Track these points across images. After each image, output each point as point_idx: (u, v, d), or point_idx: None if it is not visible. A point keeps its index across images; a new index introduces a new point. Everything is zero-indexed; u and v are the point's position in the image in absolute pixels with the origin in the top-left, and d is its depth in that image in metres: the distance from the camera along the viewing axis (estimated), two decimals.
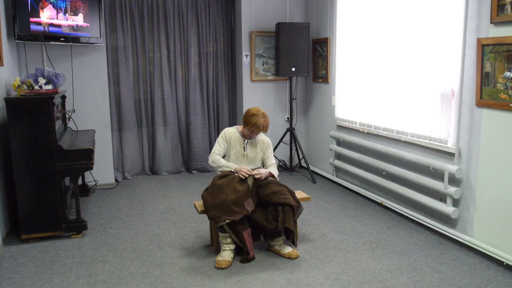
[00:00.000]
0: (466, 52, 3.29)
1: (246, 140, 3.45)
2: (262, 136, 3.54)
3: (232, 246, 3.24)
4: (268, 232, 3.24)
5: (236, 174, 3.28)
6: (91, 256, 3.36)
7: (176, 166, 5.86)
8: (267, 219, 3.18)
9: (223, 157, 3.49)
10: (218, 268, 3.11)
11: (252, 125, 3.33)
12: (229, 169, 3.33)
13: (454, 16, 3.39)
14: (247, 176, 3.25)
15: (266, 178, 3.31)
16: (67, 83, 4.72)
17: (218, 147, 3.44)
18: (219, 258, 3.18)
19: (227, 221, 3.09)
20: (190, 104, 5.79)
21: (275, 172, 3.43)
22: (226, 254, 3.20)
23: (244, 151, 3.44)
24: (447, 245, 3.49)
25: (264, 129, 3.37)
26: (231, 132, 3.48)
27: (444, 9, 3.49)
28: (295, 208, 3.23)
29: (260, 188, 3.25)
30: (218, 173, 3.43)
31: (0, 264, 3.23)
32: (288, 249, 3.31)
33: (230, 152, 3.44)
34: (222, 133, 3.50)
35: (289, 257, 3.27)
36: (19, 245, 3.57)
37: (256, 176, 3.25)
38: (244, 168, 3.29)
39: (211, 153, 3.46)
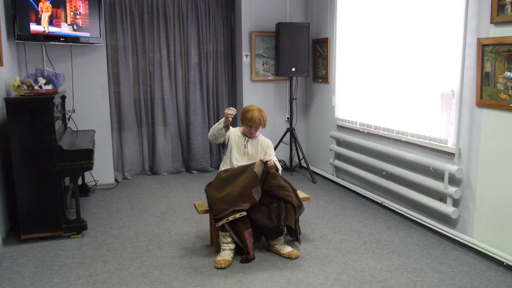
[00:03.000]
0: (466, 52, 3.28)
1: (247, 138, 3.48)
2: (262, 137, 3.57)
3: (232, 246, 3.24)
4: (270, 231, 3.24)
5: (238, 165, 3.32)
6: (91, 256, 3.36)
7: (176, 166, 5.86)
8: (269, 216, 3.19)
9: (226, 156, 3.52)
10: (218, 268, 3.11)
11: (248, 120, 3.37)
12: (221, 125, 3.28)
13: (454, 16, 3.39)
14: (233, 113, 3.22)
15: (271, 168, 3.31)
16: (67, 83, 4.72)
17: None
18: (219, 258, 3.19)
19: (230, 218, 3.09)
20: (190, 104, 5.78)
21: (278, 166, 3.47)
22: (226, 253, 3.20)
23: (245, 148, 3.46)
24: (447, 245, 3.49)
25: (261, 122, 3.39)
26: (234, 130, 3.52)
27: (444, 9, 3.49)
28: (296, 207, 3.25)
29: (267, 176, 3.25)
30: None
31: (0, 264, 3.23)
32: (288, 249, 3.32)
33: (232, 148, 3.47)
34: None
35: (289, 257, 3.27)
36: (19, 245, 3.56)
37: (265, 159, 3.22)
38: (231, 108, 3.25)
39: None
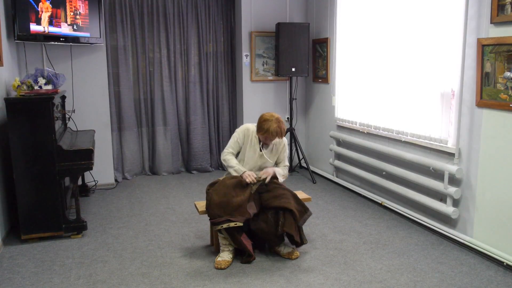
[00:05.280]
0: (466, 52, 3.28)
1: (262, 143, 3.39)
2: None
3: (231, 247, 3.24)
4: (268, 237, 3.23)
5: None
6: (91, 256, 3.36)
7: (176, 166, 5.86)
8: (267, 223, 3.18)
9: (238, 153, 3.43)
10: (217, 269, 3.11)
11: (264, 131, 3.23)
12: (236, 173, 3.27)
13: (454, 16, 3.39)
14: (252, 181, 3.22)
15: (270, 179, 3.31)
16: (67, 83, 4.72)
17: (233, 143, 3.37)
18: (218, 258, 3.18)
19: (224, 226, 3.07)
20: (190, 104, 5.78)
21: (282, 172, 3.41)
22: (226, 254, 3.20)
23: (260, 151, 3.38)
24: (447, 245, 3.49)
25: (278, 135, 3.25)
26: (250, 131, 3.39)
27: (444, 9, 3.49)
28: (296, 213, 3.17)
29: (263, 192, 3.25)
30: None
31: (0, 264, 3.24)
32: (288, 249, 3.31)
33: (246, 149, 3.38)
34: (241, 129, 3.41)
35: (289, 258, 3.27)
36: (19, 245, 3.56)
37: (263, 177, 3.25)
38: (252, 175, 3.24)
39: (224, 149, 3.39)
